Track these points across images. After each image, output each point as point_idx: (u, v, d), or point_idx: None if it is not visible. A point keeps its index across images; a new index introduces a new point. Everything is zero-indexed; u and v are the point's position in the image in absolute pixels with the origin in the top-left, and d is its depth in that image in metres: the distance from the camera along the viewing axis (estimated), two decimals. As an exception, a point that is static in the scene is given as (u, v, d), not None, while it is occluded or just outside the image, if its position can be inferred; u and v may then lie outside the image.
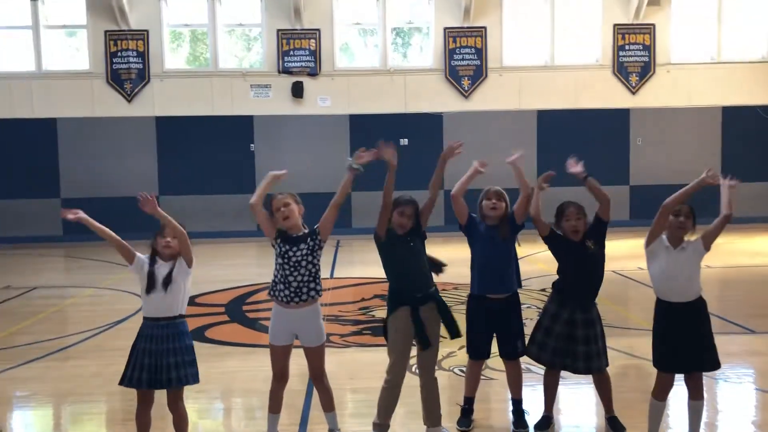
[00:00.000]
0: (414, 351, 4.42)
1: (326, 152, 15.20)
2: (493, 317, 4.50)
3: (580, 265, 4.33)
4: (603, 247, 4.39)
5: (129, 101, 15.02)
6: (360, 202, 15.13)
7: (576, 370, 4.37)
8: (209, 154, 15.10)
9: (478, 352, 4.62)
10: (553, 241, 4.41)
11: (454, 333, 4.34)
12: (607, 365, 4.44)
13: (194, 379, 4.10)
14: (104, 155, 15.00)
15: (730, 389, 5.31)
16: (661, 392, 4.13)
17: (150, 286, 4.04)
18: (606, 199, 4.34)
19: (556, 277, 4.50)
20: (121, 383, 4.07)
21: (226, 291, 9.25)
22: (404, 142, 15.25)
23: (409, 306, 4.26)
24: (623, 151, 15.62)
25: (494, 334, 4.57)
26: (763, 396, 5.18)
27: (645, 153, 15.68)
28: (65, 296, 9.37)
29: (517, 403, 4.63)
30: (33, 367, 6.09)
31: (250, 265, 11.93)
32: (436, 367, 5.69)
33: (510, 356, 4.59)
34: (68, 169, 15.00)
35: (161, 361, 3.98)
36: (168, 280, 4.03)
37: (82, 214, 4.13)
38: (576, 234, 4.31)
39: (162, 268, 4.08)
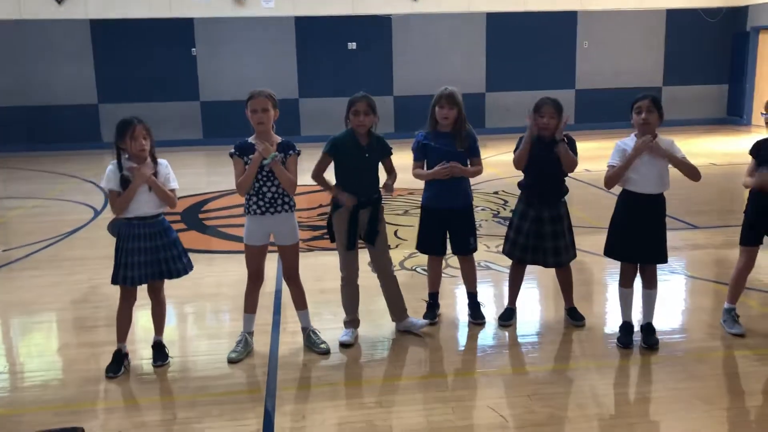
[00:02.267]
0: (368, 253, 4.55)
1: (271, 57, 14.79)
2: (445, 221, 4.61)
3: (541, 164, 4.41)
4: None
5: (59, 2, 14.12)
6: (309, 108, 14.92)
7: (546, 264, 4.57)
8: (149, 59, 14.50)
9: (431, 250, 4.76)
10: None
11: (368, 239, 4.44)
12: (574, 257, 4.65)
13: (191, 266, 4.25)
14: (36, 61, 14.23)
15: (675, 279, 5.67)
16: (624, 280, 4.38)
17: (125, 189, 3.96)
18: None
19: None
20: (114, 282, 4.09)
21: (180, 199, 9.12)
22: (352, 46, 14.96)
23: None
24: (570, 54, 15.71)
25: (447, 233, 4.68)
26: (703, 284, 5.55)
27: (591, 56, 15.82)
28: (9, 207, 9.08)
29: (473, 296, 4.83)
30: (-10, 278, 5.99)
31: (199, 174, 11.76)
32: (398, 267, 5.90)
33: (463, 252, 4.74)
34: (-3, 75, 14.21)
35: (157, 257, 4.04)
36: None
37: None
38: (545, 131, 4.38)
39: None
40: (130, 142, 3.95)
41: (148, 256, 4.02)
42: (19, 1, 14.05)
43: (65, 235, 7.38)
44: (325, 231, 4.66)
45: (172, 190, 4.09)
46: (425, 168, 4.58)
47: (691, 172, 4.20)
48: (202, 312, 5.25)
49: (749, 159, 4.45)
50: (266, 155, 4.05)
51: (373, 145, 4.38)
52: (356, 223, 4.38)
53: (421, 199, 4.72)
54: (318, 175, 4.41)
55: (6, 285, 5.87)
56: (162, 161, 4.11)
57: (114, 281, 4.08)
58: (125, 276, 4.03)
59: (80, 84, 14.37)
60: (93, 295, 5.32)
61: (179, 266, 4.14)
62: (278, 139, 4.22)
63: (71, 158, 13.14)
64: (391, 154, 4.48)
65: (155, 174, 4.02)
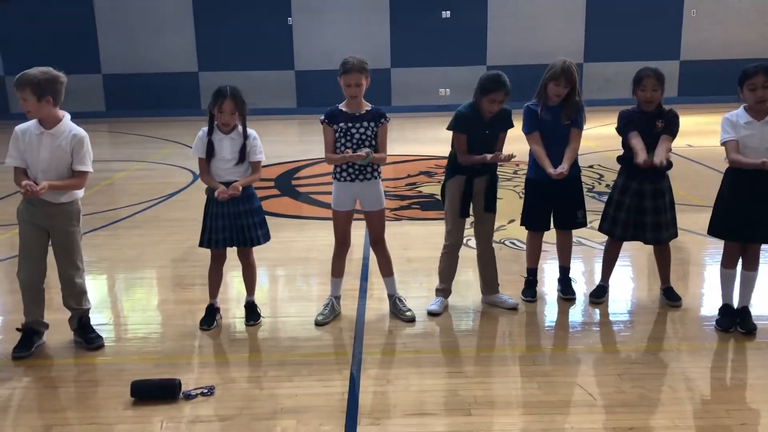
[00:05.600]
0: (471, 220, 4.51)
1: (364, 27, 14.77)
2: (552, 194, 4.48)
3: (644, 137, 4.21)
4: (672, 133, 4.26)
5: (163, -28, 14.62)
6: (399, 79, 14.88)
7: (645, 241, 4.39)
8: (247, 28, 14.78)
9: (536, 225, 4.64)
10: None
11: (489, 207, 4.41)
12: (675, 236, 4.44)
13: (267, 237, 4.37)
14: (142, 29, 14.79)
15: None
16: (727, 261, 4.17)
17: (209, 154, 4.15)
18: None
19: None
20: (200, 245, 4.29)
21: (273, 166, 9.35)
22: (446, 14, 14.74)
23: (465, 175, 4.33)
24: (675, 23, 14.88)
25: (552, 208, 4.57)
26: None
27: (698, 25, 14.94)
28: (116, 170, 9.56)
29: (565, 270, 4.73)
30: (98, 234, 6.35)
31: (292, 143, 11.98)
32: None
33: (569, 227, 4.62)
34: (107, 44, 14.88)
35: (237, 222, 4.19)
36: (242, 157, 4.15)
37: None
38: (648, 105, 4.19)
39: (224, 141, 4.15)
40: (217, 113, 4.09)
41: (230, 220, 4.17)
42: (126, -29, 14.63)
43: (166, 197, 7.73)
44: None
45: (257, 162, 4.21)
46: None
47: None
48: (293, 275, 5.39)
49: None
50: (361, 161, 4.14)
51: (494, 118, 4.30)
52: (471, 191, 4.36)
53: (522, 171, 4.61)
54: (462, 155, 4.32)
55: (112, 242, 6.23)
56: (251, 132, 4.22)
57: (200, 244, 4.28)
58: (210, 239, 4.22)
59: (181, 52, 14.86)
60: (191, 255, 5.56)
61: (256, 235, 4.26)
62: (368, 106, 4.24)
63: (173, 124, 13.67)
64: (510, 128, 4.38)
65: (243, 147, 4.13)
